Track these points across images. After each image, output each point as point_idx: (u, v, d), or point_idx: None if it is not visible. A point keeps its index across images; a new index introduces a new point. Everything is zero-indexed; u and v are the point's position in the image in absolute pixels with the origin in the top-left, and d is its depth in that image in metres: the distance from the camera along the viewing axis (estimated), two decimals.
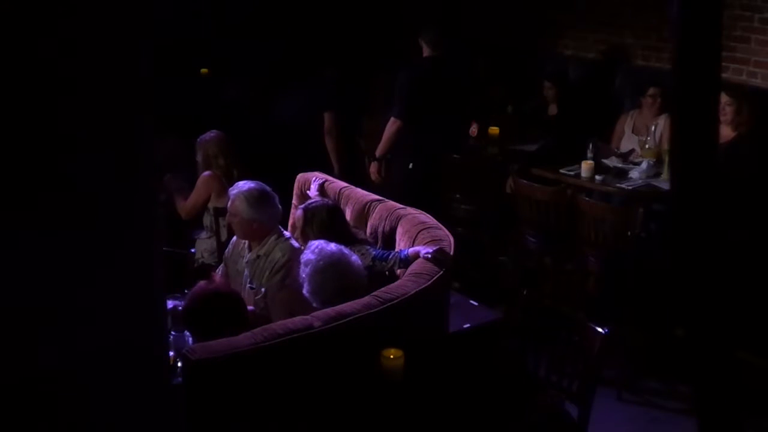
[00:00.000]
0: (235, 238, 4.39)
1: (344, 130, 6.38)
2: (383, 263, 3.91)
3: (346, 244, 3.94)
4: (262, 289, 4.03)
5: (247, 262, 4.17)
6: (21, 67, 1.51)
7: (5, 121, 1.52)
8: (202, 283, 3.52)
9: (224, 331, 3.22)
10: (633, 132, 6.27)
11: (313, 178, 4.82)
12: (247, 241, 4.23)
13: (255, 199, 4.08)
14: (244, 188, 4.13)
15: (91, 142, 1.62)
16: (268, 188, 4.19)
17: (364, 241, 4.20)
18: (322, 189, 4.70)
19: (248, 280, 4.13)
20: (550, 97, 6.93)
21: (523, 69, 7.34)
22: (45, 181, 1.57)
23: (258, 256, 4.12)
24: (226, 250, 4.44)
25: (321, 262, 3.61)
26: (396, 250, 4.05)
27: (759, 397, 4.33)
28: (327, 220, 4.11)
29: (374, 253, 3.98)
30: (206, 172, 5.30)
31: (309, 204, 4.24)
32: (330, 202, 4.37)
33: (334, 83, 6.46)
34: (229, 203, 4.16)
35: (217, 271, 4.37)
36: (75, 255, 1.62)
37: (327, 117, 6.28)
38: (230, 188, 4.27)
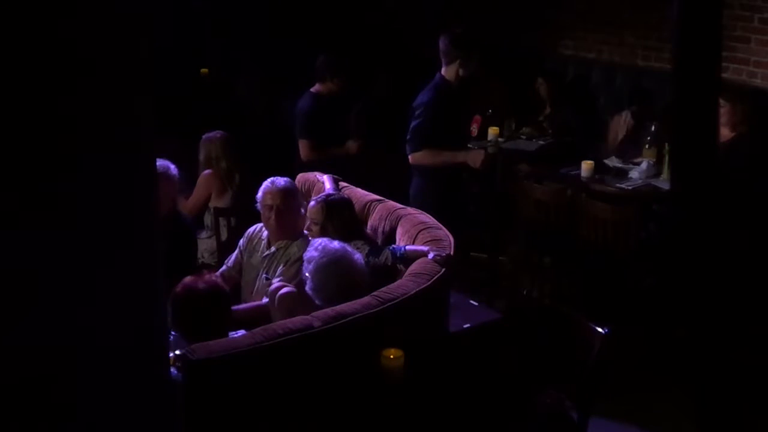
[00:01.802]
0: (251, 230, 4.43)
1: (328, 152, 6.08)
2: (376, 259, 3.92)
3: (350, 239, 3.96)
4: (275, 281, 4.07)
5: (265, 256, 4.25)
6: (20, 67, 1.51)
7: (4, 121, 1.52)
8: (186, 280, 3.44)
9: (209, 329, 3.22)
10: (626, 133, 6.29)
11: (318, 176, 4.82)
12: (265, 237, 4.30)
13: (297, 192, 4.31)
14: (289, 181, 4.29)
15: (91, 141, 1.61)
16: None
17: (364, 237, 4.20)
18: (335, 183, 4.70)
19: (264, 272, 4.20)
20: (542, 93, 6.90)
21: (523, 69, 7.34)
22: (44, 181, 1.57)
23: (277, 249, 4.21)
24: (241, 241, 4.47)
25: (324, 259, 3.62)
26: (390, 246, 4.05)
27: (759, 397, 4.32)
28: (348, 218, 4.15)
29: (368, 248, 4.00)
30: (207, 171, 5.31)
31: (329, 198, 4.21)
32: (346, 196, 4.37)
33: (311, 107, 6.08)
34: (279, 195, 4.19)
35: (218, 273, 4.38)
36: (75, 255, 1.62)
37: (302, 144, 6.04)
38: (266, 183, 4.29)
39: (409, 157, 5.18)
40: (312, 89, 6.08)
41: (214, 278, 3.52)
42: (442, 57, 5.13)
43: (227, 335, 3.31)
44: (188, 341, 3.22)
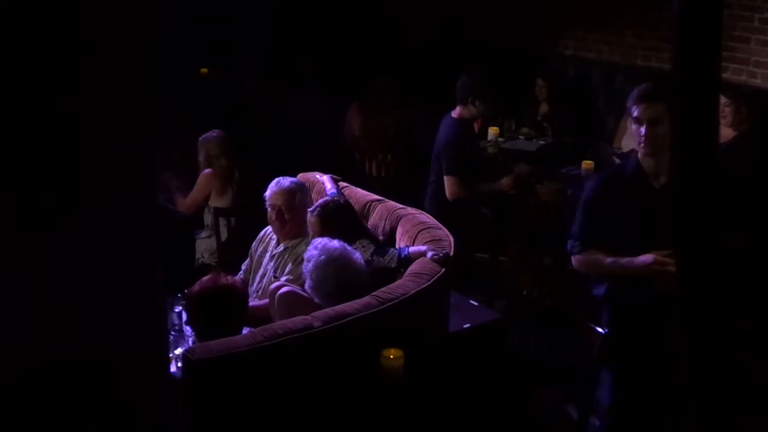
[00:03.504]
0: (262, 233, 4.46)
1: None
2: (381, 259, 3.92)
3: (355, 239, 3.96)
4: (282, 278, 4.08)
5: (273, 255, 4.27)
6: (21, 66, 1.51)
7: (4, 121, 1.52)
8: (208, 277, 3.50)
9: (224, 329, 3.23)
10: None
11: (318, 176, 4.81)
12: (275, 236, 4.32)
13: (304, 193, 4.32)
14: (294, 182, 4.30)
15: (90, 141, 1.62)
16: None
17: (370, 236, 4.20)
18: (335, 183, 4.70)
19: (272, 271, 4.23)
20: (542, 95, 6.91)
21: (522, 69, 7.34)
22: (45, 182, 1.57)
23: (285, 248, 4.24)
24: (253, 244, 4.50)
25: (323, 257, 3.64)
26: (396, 247, 4.05)
27: (759, 397, 4.32)
28: (347, 221, 4.15)
29: (374, 247, 3.99)
30: (207, 170, 5.32)
31: (323, 208, 4.16)
32: (339, 198, 4.36)
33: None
34: (282, 196, 4.21)
35: (239, 274, 4.41)
36: (74, 255, 1.62)
37: (450, 182, 5.29)
38: (272, 183, 4.30)
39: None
40: (453, 114, 5.33)
41: (232, 278, 3.56)
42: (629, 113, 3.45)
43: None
44: (203, 339, 3.23)
